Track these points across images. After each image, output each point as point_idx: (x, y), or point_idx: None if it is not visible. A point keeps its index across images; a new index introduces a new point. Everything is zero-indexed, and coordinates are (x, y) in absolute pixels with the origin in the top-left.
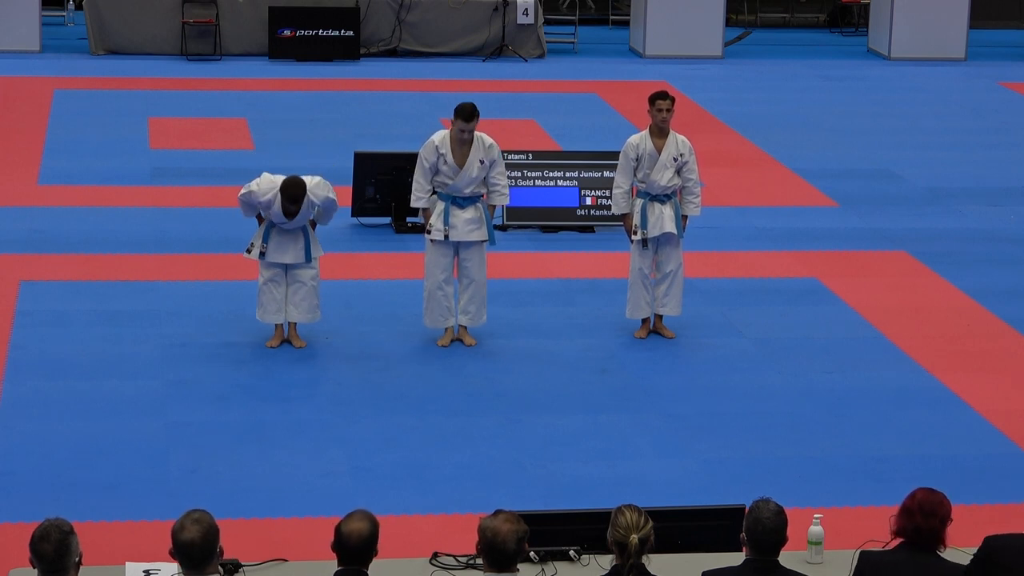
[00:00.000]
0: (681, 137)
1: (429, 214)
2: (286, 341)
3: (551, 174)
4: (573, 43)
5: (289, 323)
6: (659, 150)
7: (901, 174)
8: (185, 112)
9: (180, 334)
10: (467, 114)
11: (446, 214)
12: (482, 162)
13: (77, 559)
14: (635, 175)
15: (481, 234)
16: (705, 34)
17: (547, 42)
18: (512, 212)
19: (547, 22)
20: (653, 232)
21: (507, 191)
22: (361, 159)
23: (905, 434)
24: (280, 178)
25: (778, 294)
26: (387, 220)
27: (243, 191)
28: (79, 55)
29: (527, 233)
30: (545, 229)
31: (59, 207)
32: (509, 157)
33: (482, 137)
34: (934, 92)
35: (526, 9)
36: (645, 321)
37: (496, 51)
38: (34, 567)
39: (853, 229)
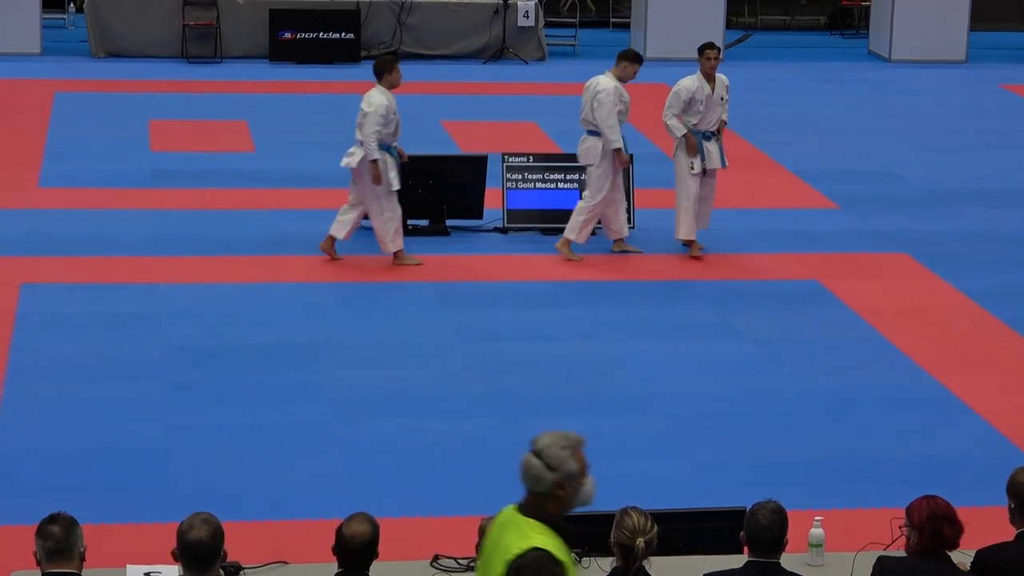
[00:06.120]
0: (723, 76)
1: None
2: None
3: (552, 176)
4: (574, 45)
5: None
6: (712, 91)
7: (902, 176)
8: (186, 114)
9: (181, 336)
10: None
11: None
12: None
13: (82, 550)
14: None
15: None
16: (706, 36)
17: (548, 44)
18: (513, 214)
19: (548, 24)
20: (710, 165)
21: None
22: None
23: (906, 436)
24: (375, 95)
25: (779, 296)
26: None
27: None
28: (80, 58)
29: (527, 235)
30: (546, 231)
31: (60, 209)
32: (510, 160)
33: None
34: (935, 94)
35: (527, 11)
36: (693, 242)
37: (497, 53)
38: (37, 563)
39: (854, 231)
